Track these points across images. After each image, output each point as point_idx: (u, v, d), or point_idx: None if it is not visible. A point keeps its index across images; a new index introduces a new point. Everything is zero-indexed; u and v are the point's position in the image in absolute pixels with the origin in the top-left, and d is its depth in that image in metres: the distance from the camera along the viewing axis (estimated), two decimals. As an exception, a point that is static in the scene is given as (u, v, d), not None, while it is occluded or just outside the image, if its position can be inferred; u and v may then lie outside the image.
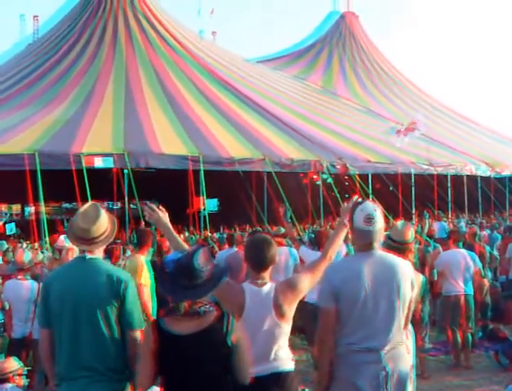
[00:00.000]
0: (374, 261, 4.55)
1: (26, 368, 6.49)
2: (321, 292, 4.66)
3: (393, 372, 4.46)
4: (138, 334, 4.21)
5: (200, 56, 43.27)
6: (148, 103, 34.42)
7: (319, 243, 9.77)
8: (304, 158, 29.82)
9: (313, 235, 11.92)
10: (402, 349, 4.60)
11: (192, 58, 42.31)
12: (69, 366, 4.17)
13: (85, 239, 4.24)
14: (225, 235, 19.10)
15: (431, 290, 11.34)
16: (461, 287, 10.53)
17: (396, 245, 6.10)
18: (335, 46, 60.75)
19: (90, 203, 4.52)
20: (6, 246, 17.31)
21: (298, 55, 61.01)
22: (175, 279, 3.93)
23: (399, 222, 7.29)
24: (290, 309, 4.71)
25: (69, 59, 41.02)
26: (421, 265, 12.63)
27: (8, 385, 5.97)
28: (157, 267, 10.19)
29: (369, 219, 4.55)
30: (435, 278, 11.42)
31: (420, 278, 6.39)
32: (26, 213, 40.89)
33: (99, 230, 4.24)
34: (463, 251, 11.12)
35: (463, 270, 10.56)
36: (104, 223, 4.29)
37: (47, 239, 21.62)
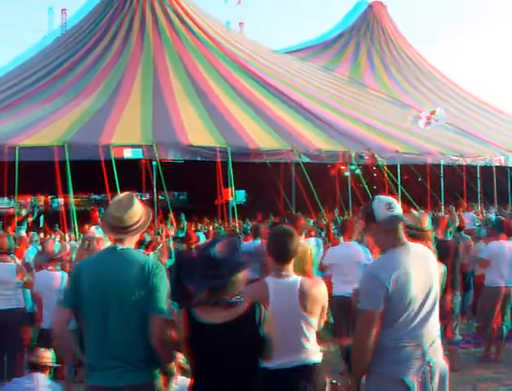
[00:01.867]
0: (413, 255, 4.41)
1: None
2: (370, 293, 4.37)
3: (436, 366, 4.40)
4: (164, 322, 4.19)
5: (227, 47, 43.24)
6: (176, 95, 34.47)
7: (344, 231, 9.69)
8: (332, 149, 29.70)
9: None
10: (439, 342, 4.54)
11: (220, 49, 42.29)
12: (99, 356, 4.18)
13: (117, 228, 4.23)
14: (250, 227, 19.07)
15: (463, 281, 11.21)
16: (505, 279, 10.37)
17: (414, 232, 5.99)
18: (363, 36, 60.33)
19: (125, 193, 4.52)
20: (37, 237, 17.48)
21: (326, 46, 60.70)
22: (196, 269, 3.95)
23: (416, 211, 7.23)
24: (316, 305, 4.67)
25: (97, 51, 41.22)
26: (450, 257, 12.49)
27: (41, 375, 6.01)
28: (183, 257, 10.24)
29: (390, 205, 4.48)
30: (476, 269, 11.31)
31: (442, 269, 6.31)
32: (55, 205, 41.23)
33: (131, 219, 4.23)
34: (510, 243, 10.85)
35: (509, 262, 10.37)
36: (138, 213, 4.28)
37: (76, 229, 21.78)
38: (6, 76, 43.58)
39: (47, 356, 6.14)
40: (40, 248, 13.34)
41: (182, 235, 14.69)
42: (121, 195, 4.48)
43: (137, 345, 4.13)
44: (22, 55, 49.13)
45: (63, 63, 40.97)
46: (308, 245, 8.03)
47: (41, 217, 25.04)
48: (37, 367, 6.07)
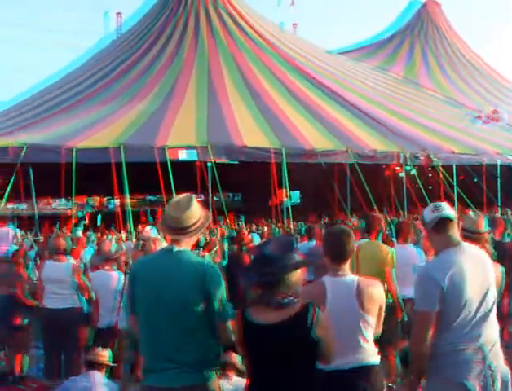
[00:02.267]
0: (467, 255, 4.36)
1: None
2: (426, 294, 4.34)
3: (497, 370, 4.31)
4: (229, 325, 4.18)
5: (281, 48, 43.23)
6: (230, 96, 34.60)
7: (400, 233, 9.55)
8: (387, 149, 29.46)
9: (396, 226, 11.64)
10: (499, 346, 4.45)
11: (273, 50, 42.30)
12: (154, 358, 4.18)
13: (174, 228, 4.22)
14: (304, 228, 18.98)
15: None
16: None
17: (470, 235, 5.89)
18: (417, 35, 59.77)
19: (184, 194, 4.51)
20: (94, 237, 17.69)
21: (380, 46, 60.33)
22: (250, 268, 3.94)
23: (472, 213, 7.12)
24: (374, 305, 4.61)
25: (152, 54, 41.63)
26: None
27: (98, 374, 6.06)
28: (234, 258, 10.24)
29: (437, 207, 4.47)
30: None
31: (499, 270, 6.18)
32: (111, 205, 41.72)
33: (189, 220, 4.21)
34: None
35: None
36: (195, 214, 4.25)
37: (132, 230, 22.02)
38: (62, 80, 44.31)
39: (104, 355, 6.20)
40: (96, 248, 13.53)
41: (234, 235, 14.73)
42: (180, 196, 4.47)
43: (191, 347, 4.11)
44: (78, 59, 49.94)
45: (118, 66, 41.50)
46: (389, 248, 7.93)
47: (99, 216, 25.40)
48: (94, 366, 6.12)
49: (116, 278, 7.88)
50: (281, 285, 3.80)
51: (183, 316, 4.10)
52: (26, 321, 9.29)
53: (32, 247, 15.01)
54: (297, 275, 3.89)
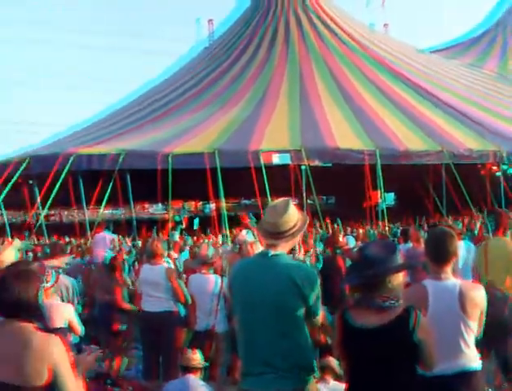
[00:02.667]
0: None
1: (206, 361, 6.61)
2: None
3: None
4: (321, 328, 4.16)
5: (372, 49, 42.88)
6: (323, 99, 34.55)
7: (499, 223, 9.20)
8: (483, 148, 28.77)
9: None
10: None
11: (365, 51, 42.02)
12: (252, 361, 4.18)
13: (272, 233, 4.20)
14: (399, 230, 18.72)
15: None
16: None
17: None
18: (510, 31, 58.15)
19: (282, 198, 4.49)
20: (190, 241, 17.91)
21: (472, 43, 59.06)
22: (352, 270, 3.91)
23: None
24: (476, 309, 4.49)
25: (244, 59, 42.00)
26: None
27: (191, 376, 6.12)
28: (329, 261, 10.15)
29: None
30: None
31: None
32: (207, 210, 42.26)
33: (286, 224, 4.18)
34: None
35: None
36: (293, 218, 4.22)
37: (228, 234, 22.19)
38: (157, 87, 45.18)
39: (196, 358, 6.24)
40: (189, 251, 13.68)
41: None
42: (277, 200, 4.46)
43: (288, 352, 4.08)
44: (172, 66, 50.85)
45: (210, 73, 42.04)
46: None
47: (196, 220, 25.75)
48: (187, 369, 6.18)
49: (213, 281, 7.93)
50: (382, 288, 3.74)
51: (280, 320, 4.07)
52: (124, 327, 9.48)
53: (130, 251, 15.32)
54: (399, 278, 3.82)
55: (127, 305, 9.43)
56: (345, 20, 46.64)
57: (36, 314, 3.37)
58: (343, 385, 4.11)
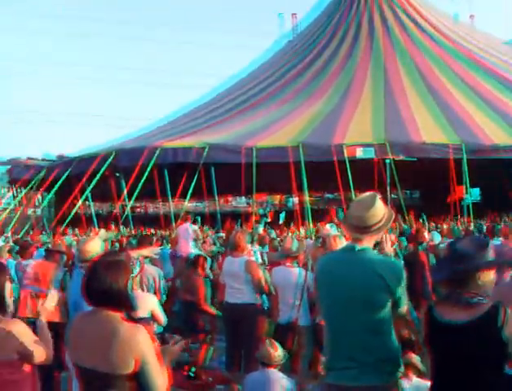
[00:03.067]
0: None
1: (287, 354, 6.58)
2: None
3: None
4: (403, 323, 4.11)
5: (458, 42, 42.09)
6: (408, 93, 34.18)
7: None
8: None
9: None
10: None
11: (451, 44, 41.25)
12: (336, 356, 4.16)
13: (357, 227, 4.17)
14: (484, 226, 18.29)
15: None
16: None
17: None
18: None
19: (368, 192, 4.45)
20: (274, 234, 17.94)
21: None
22: (441, 265, 3.83)
23: None
24: None
25: (327, 53, 41.89)
26: None
27: (273, 370, 6.11)
28: (411, 256, 9.99)
29: None
30: None
31: None
32: (290, 203, 42.29)
33: (372, 218, 4.14)
34: None
35: None
36: (379, 213, 4.18)
37: (311, 227, 22.16)
38: (241, 81, 45.45)
39: (275, 350, 6.23)
40: (268, 244, 13.71)
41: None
42: (363, 194, 4.42)
43: (373, 347, 4.04)
44: (255, 60, 51.03)
45: (293, 67, 42.08)
46: None
47: (282, 214, 25.82)
48: (267, 362, 6.18)
49: (297, 274, 7.91)
50: (471, 284, 3.66)
51: (366, 315, 4.03)
52: (208, 327, 9.59)
53: (214, 243, 15.46)
54: (489, 275, 3.72)
55: (210, 309, 9.52)
56: (430, 12, 45.91)
57: (125, 303, 3.44)
58: (426, 382, 4.05)
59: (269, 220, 23.69)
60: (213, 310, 9.50)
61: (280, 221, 24.84)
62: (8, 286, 4.04)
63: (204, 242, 14.61)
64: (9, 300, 4.14)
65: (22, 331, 3.92)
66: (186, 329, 9.41)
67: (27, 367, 3.98)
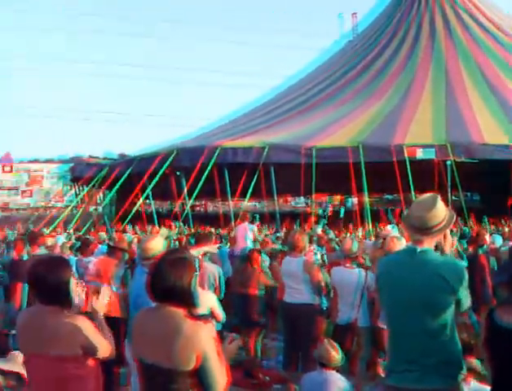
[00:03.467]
0: None
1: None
2: None
3: None
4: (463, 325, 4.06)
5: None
6: (469, 93, 33.72)
7: None
8: None
9: None
10: None
11: (513, 44, 40.56)
12: (398, 358, 4.13)
13: (418, 228, 4.13)
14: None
15: None
16: None
17: None
18: None
19: (429, 193, 4.41)
20: (332, 234, 17.89)
21: None
22: (503, 268, 3.79)
23: None
24: None
25: (387, 53, 41.61)
26: None
27: (330, 371, 6.09)
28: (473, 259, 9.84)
29: None
30: None
31: None
32: (349, 204, 42.13)
33: (433, 219, 4.10)
34: None
35: None
36: (440, 214, 4.14)
37: (370, 228, 22.02)
38: (300, 81, 45.45)
39: (334, 352, 6.20)
40: (325, 245, 13.67)
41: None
42: (424, 195, 4.39)
43: (434, 349, 4.01)
44: (315, 60, 50.95)
45: (354, 67, 41.94)
46: None
47: (342, 209, 25.72)
48: (325, 363, 6.16)
49: (356, 275, 7.89)
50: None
51: (427, 317, 4.00)
52: (263, 320, 9.61)
53: (274, 243, 15.48)
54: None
55: (267, 281, 9.58)
56: (493, 11, 45.23)
57: (188, 301, 3.48)
58: (485, 387, 4.00)
59: (329, 214, 23.56)
60: (270, 282, 9.59)
61: (341, 216, 24.76)
62: (73, 282, 4.12)
63: (264, 241, 14.64)
64: (75, 296, 4.23)
65: (87, 327, 4.00)
66: (241, 323, 9.47)
67: (91, 362, 4.05)
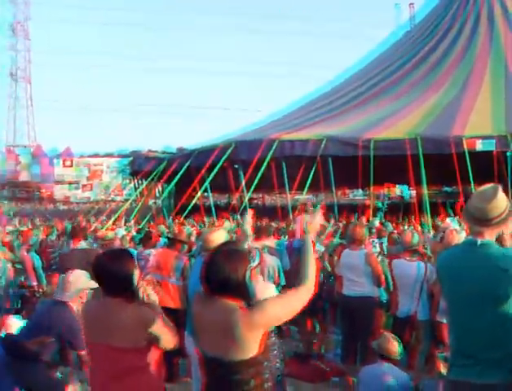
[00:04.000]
0: None
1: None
2: None
3: None
4: None
5: None
6: (529, 83, 33.12)
7: None
8: None
9: None
10: None
11: None
12: (458, 352, 4.10)
13: (478, 220, 4.09)
14: None
15: None
16: None
17: None
18: None
19: (490, 184, 4.34)
20: (390, 227, 17.76)
21: None
22: None
23: None
24: None
25: (445, 44, 41.13)
26: None
27: (389, 364, 6.08)
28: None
29: None
30: None
31: None
32: (406, 196, 41.71)
33: (493, 211, 4.05)
34: None
35: None
36: (500, 205, 4.08)
37: (429, 221, 21.77)
38: (358, 73, 45.18)
39: (394, 344, 6.18)
40: (387, 237, 13.60)
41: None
42: (485, 186, 4.32)
43: (497, 343, 3.96)
44: (372, 52, 50.54)
45: (411, 58, 41.51)
46: None
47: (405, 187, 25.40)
48: (385, 354, 6.14)
49: (415, 267, 7.85)
50: None
51: (489, 311, 3.96)
52: (327, 306, 9.66)
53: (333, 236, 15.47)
54: None
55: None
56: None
57: (243, 293, 3.51)
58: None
59: (383, 215, 23.35)
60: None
61: (384, 208, 24.50)
62: (137, 273, 4.20)
63: (322, 234, 14.63)
64: (138, 288, 4.31)
65: (152, 318, 4.08)
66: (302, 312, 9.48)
67: (154, 354, 4.13)
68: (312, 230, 3.79)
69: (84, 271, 6.21)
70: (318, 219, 3.91)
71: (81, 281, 6.11)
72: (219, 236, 6.04)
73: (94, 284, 6.37)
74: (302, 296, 3.60)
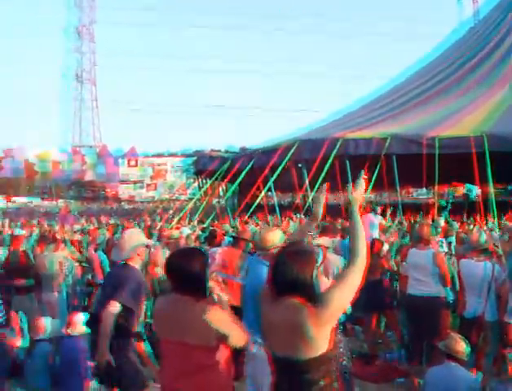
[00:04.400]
0: None
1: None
2: None
3: None
4: None
5: None
6: None
7: None
8: None
9: None
10: None
11: None
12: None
13: None
14: None
15: None
16: None
17: None
18: None
19: None
20: (456, 226, 17.54)
21: None
22: None
23: None
24: None
25: (511, 38, 40.30)
26: None
27: (456, 365, 6.00)
28: None
29: None
30: None
31: None
32: (473, 195, 41.04)
33: None
34: None
35: None
36: None
37: (496, 220, 21.44)
38: (420, 72, 44.74)
39: (461, 348, 6.09)
40: (455, 237, 13.44)
41: None
42: None
43: None
44: (435, 49, 49.95)
45: (476, 54, 40.89)
46: None
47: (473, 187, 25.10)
48: (453, 354, 6.06)
49: (482, 267, 7.76)
50: None
51: None
52: (395, 303, 9.62)
53: (402, 237, 15.36)
54: None
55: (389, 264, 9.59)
56: None
57: (310, 292, 3.50)
58: None
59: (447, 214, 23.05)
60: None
61: (471, 197, 24.21)
62: (208, 272, 4.25)
63: (386, 231, 14.57)
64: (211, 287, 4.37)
65: (223, 317, 4.12)
66: (370, 307, 9.43)
67: (224, 352, 4.16)
68: (356, 201, 3.78)
69: (138, 229, 6.26)
70: (361, 189, 3.91)
71: (135, 238, 6.17)
72: (275, 236, 6.06)
73: (148, 240, 6.50)
74: (356, 271, 3.58)
